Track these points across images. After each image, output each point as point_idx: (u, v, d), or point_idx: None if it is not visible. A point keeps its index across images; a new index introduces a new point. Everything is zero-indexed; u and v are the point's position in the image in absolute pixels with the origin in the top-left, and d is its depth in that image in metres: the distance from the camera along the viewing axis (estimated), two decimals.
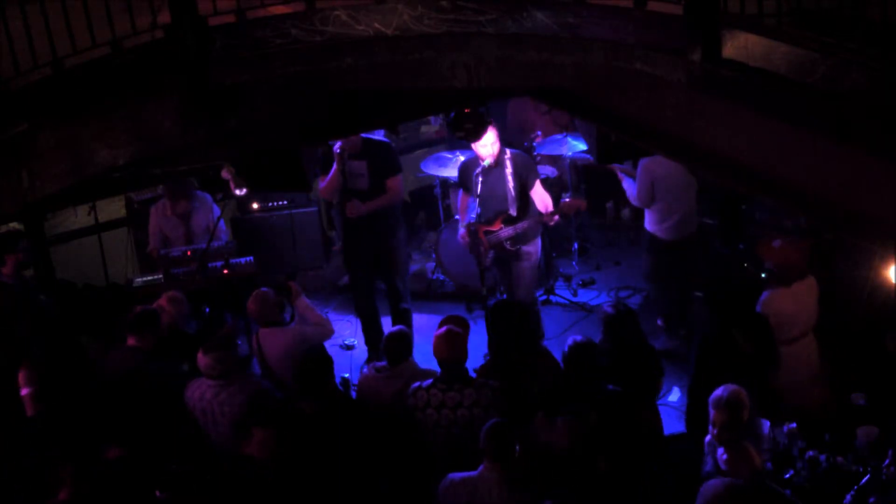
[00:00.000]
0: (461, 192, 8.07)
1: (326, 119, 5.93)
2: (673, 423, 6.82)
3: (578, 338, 5.79)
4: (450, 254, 9.02)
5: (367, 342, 8.38)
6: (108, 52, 4.92)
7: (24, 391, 5.88)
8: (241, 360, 6.21)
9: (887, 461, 5.28)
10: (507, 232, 7.65)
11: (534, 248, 7.82)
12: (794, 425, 5.62)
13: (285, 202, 9.22)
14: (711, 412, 5.19)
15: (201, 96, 5.01)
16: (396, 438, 5.82)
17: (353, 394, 7.37)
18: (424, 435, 5.71)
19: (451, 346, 5.77)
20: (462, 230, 7.88)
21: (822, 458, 5.42)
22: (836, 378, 6.41)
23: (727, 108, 4.70)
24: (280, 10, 5.25)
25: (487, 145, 7.52)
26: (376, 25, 5.12)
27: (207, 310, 7.70)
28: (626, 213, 10.11)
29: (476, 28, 5.08)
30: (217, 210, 8.25)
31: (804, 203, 4.84)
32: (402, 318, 8.12)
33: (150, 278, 7.85)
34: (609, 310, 6.22)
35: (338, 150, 7.65)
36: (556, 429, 5.29)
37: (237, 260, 7.91)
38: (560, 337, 8.29)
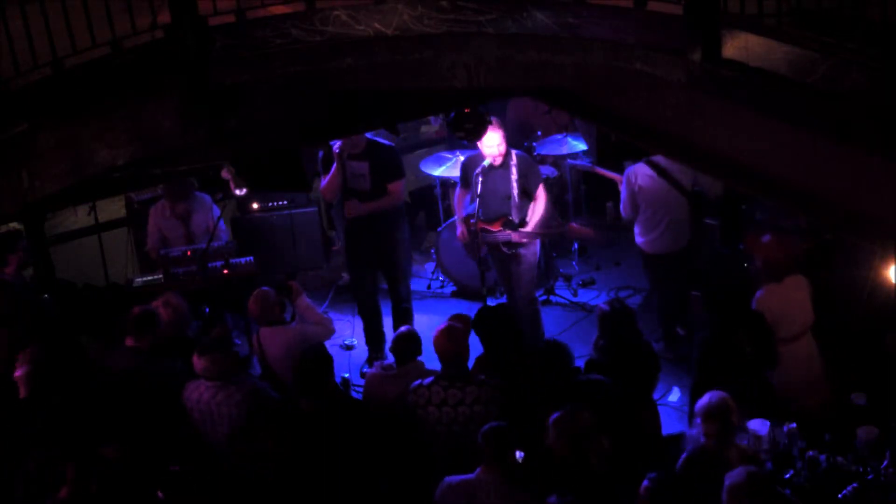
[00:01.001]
0: (458, 187, 8.06)
1: (326, 119, 5.93)
2: (673, 423, 6.83)
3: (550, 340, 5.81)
4: (450, 254, 9.02)
5: (367, 342, 8.38)
6: (108, 52, 4.93)
7: (18, 372, 5.86)
8: (238, 360, 6.20)
9: (886, 462, 5.28)
10: (504, 236, 7.65)
11: (531, 250, 7.82)
12: (794, 425, 5.61)
13: (285, 202, 9.21)
14: (700, 422, 5.18)
15: (201, 96, 5.01)
16: (399, 438, 5.82)
17: (353, 394, 7.38)
18: (425, 432, 5.71)
19: (451, 340, 5.78)
20: (460, 226, 7.89)
21: (822, 458, 5.42)
22: (836, 378, 6.41)
23: (727, 108, 4.70)
24: (280, 10, 5.25)
25: (493, 146, 7.51)
26: (376, 25, 5.12)
27: (207, 310, 7.69)
28: None
29: (476, 28, 5.09)
30: (217, 210, 8.25)
31: (804, 203, 4.84)
32: (402, 317, 8.12)
33: (150, 278, 7.84)
34: (605, 307, 6.24)
35: (337, 151, 7.65)
36: (547, 428, 5.28)
37: (237, 260, 7.90)
38: (560, 337, 8.29)
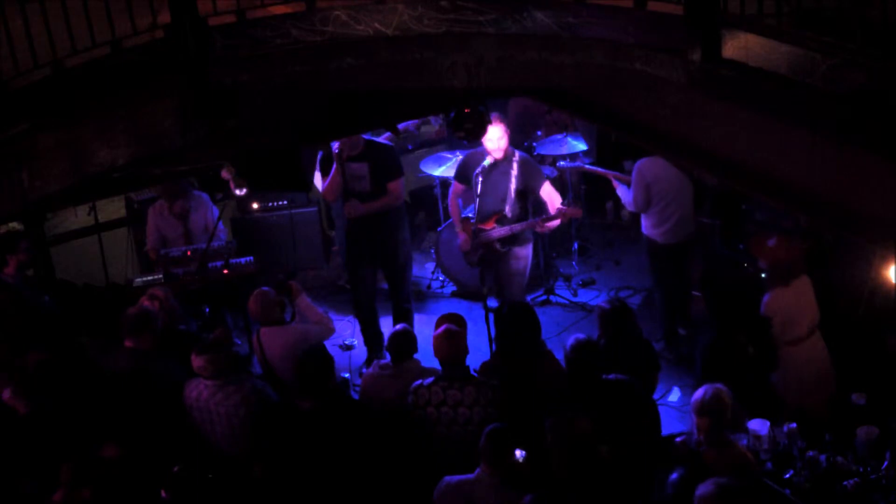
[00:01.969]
0: (454, 182, 8.04)
1: (326, 119, 5.93)
2: (673, 424, 6.82)
3: (581, 336, 5.77)
4: (450, 253, 9.02)
5: (366, 342, 8.39)
6: (108, 52, 4.92)
7: (6, 395, 5.76)
8: (237, 360, 6.20)
9: (886, 462, 5.28)
10: (498, 232, 7.65)
11: (524, 251, 7.81)
12: (794, 425, 5.62)
13: (285, 202, 9.21)
14: (694, 417, 5.17)
15: (201, 96, 5.01)
16: (398, 437, 5.82)
17: (353, 394, 7.38)
18: (424, 433, 5.71)
19: (451, 344, 5.77)
20: (462, 234, 7.86)
21: (822, 458, 5.41)
22: (836, 378, 6.41)
23: (727, 108, 4.70)
24: (280, 10, 5.25)
25: (494, 140, 7.51)
26: (376, 25, 5.12)
27: (207, 310, 7.70)
28: (625, 213, 10.11)
29: (476, 28, 5.08)
30: (216, 210, 8.25)
31: (804, 203, 4.84)
32: (403, 317, 8.13)
33: (150, 278, 7.84)
34: (606, 305, 6.24)
35: (336, 152, 7.65)
36: (544, 432, 5.28)
37: (237, 260, 7.91)
38: (560, 337, 8.29)
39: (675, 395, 7.49)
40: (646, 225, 7.92)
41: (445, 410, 5.64)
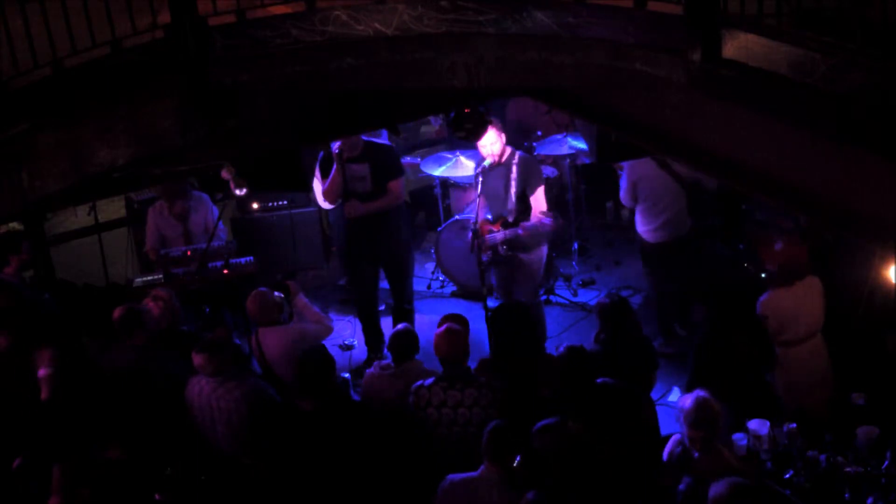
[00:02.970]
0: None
1: (326, 119, 5.94)
2: (673, 424, 6.81)
3: (572, 344, 5.78)
4: (450, 254, 9.02)
5: (366, 342, 8.39)
6: (108, 52, 4.92)
7: (42, 372, 5.91)
8: (238, 357, 6.21)
9: (887, 462, 5.28)
10: (500, 235, 7.64)
11: (534, 257, 7.80)
12: (794, 425, 5.62)
13: (285, 202, 9.22)
14: (684, 428, 5.16)
15: (201, 96, 5.01)
16: (399, 437, 5.82)
17: (353, 394, 7.38)
18: (425, 433, 5.71)
19: (451, 343, 5.78)
20: (469, 230, 7.88)
21: (822, 458, 5.42)
22: (836, 378, 6.41)
23: (727, 109, 4.70)
24: (280, 10, 5.24)
25: (487, 145, 7.52)
26: (376, 25, 5.12)
27: (207, 310, 7.69)
28: (625, 213, 10.12)
29: (476, 28, 5.08)
30: (216, 210, 8.25)
31: (804, 203, 4.84)
32: (404, 318, 8.12)
33: (150, 278, 7.85)
34: (605, 300, 6.25)
35: (336, 152, 7.65)
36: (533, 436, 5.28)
37: (237, 260, 7.91)
38: (560, 337, 8.30)
39: (675, 395, 7.48)
40: (637, 222, 8.02)
41: (446, 411, 5.64)
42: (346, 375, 7.98)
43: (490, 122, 7.26)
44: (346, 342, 8.64)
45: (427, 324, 7.95)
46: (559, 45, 4.96)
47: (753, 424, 5.60)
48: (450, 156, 9.53)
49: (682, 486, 4.94)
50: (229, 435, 5.80)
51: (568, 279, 9.24)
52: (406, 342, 6.11)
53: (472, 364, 6.00)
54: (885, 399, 5.84)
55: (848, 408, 5.88)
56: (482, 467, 5.07)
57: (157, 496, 5.04)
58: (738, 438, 5.61)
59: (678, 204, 7.76)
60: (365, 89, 5.34)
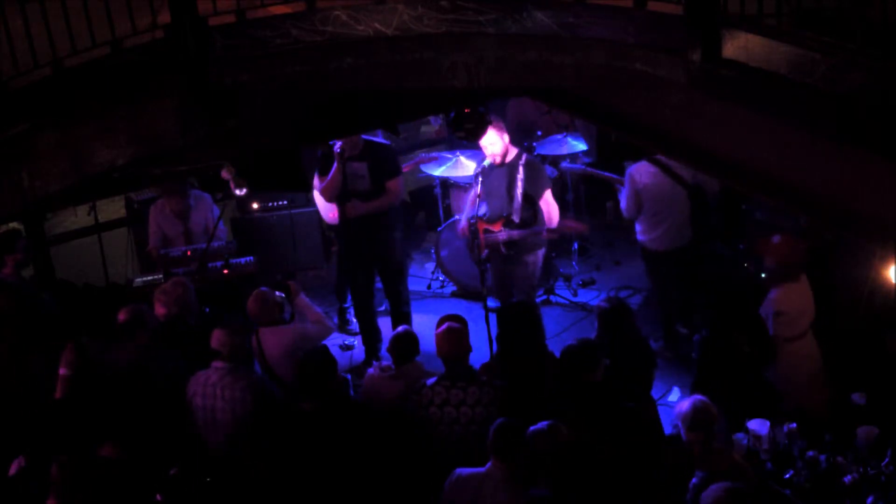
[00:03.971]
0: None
1: (326, 119, 5.94)
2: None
3: (574, 343, 5.78)
4: (450, 254, 9.02)
5: (364, 342, 8.39)
6: (108, 52, 4.92)
7: (63, 371, 5.98)
8: (250, 352, 6.21)
9: (886, 461, 5.28)
10: (503, 235, 7.64)
11: (533, 258, 7.80)
12: (794, 425, 5.62)
13: (285, 202, 9.21)
14: (683, 432, 5.17)
15: (201, 96, 5.01)
16: (399, 438, 5.82)
17: (353, 395, 7.37)
18: (427, 433, 5.71)
19: (452, 341, 5.78)
20: (463, 223, 7.88)
21: (822, 458, 5.42)
22: (836, 378, 6.41)
23: (727, 108, 4.70)
24: (280, 10, 5.25)
25: (487, 145, 7.52)
26: (376, 25, 5.12)
27: (207, 310, 7.69)
28: None
29: (476, 28, 5.08)
30: (217, 210, 8.25)
31: (804, 203, 4.84)
32: (402, 320, 8.12)
33: (150, 278, 7.84)
34: (604, 304, 6.26)
35: (338, 151, 7.65)
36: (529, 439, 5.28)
37: (237, 260, 7.91)
38: (560, 337, 8.29)
39: (675, 395, 7.48)
40: (638, 231, 7.93)
41: (448, 410, 5.64)
42: (347, 376, 7.99)
43: (491, 122, 7.26)
44: (346, 342, 8.63)
45: (427, 324, 7.95)
46: (559, 45, 4.96)
47: (753, 424, 5.60)
48: (450, 156, 9.53)
49: (694, 480, 4.94)
50: (231, 428, 5.76)
51: (568, 279, 9.24)
52: (406, 344, 6.11)
53: (472, 364, 5.99)
54: (885, 399, 5.84)
55: (848, 408, 5.88)
56: (489, 464, 5.08)
57: (158, 497, 5.02)
58: (738, 438, 5.61)
59: (681, 210, 7.70)
60: (365, 89, 5.34)
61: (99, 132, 4.87)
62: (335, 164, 7.69)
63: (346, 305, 8.85)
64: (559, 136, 9.46)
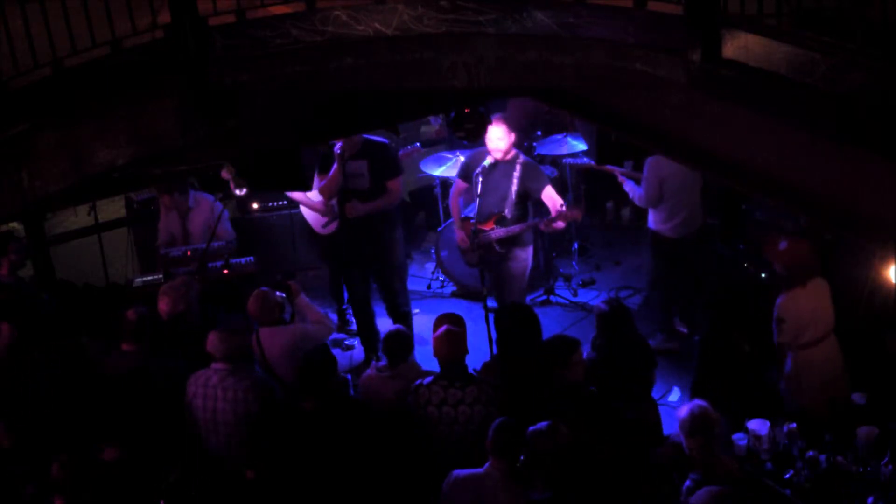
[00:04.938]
0: (456, 180, 8.02)
1: (326, 119, 5.93)
2: (673, 424, 6.81)
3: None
4: (450, 253, 9.01)
5: (362, 342, 8.39)
6: (108, 52, 4.92)
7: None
8: (250, 351, 6.20)
9: (886, 461, 5.29)
10: (497, 233, 7.64)
11: (524, 254, 7.79)
12: (794, 425, 5.62)
13: (285, 202, 9.21)
14: (683, 438, 5.16)
15: (201, 96, 5.01)
16: (399, 437, 5.82)
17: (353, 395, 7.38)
18: (425, 433, 5.71)
19: (451, 344, 5.78)
20: (459, 232, 7.86)
21: (822, 458, 5.42)
22: (848, 382, 6.38)
23: (727, 108, 4.71)
24: (280, 10, 5.25)
25: (495, 139, 7.50)
26: (376, 25, 5.12)
27: (207, 309, 7.69)
28: (625, 213, 10.12)
29: (476, 28, 5.08)
30: (219, 206, 8.24)
31: (804, 203, 4.84)
32: (401, 320, 8.12)
33: (150, 278, 7.84)
34: (603, 307, 6.26)
35: (338, 151, 7.65)
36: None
37: (237, 260, 7.91)
38: None
39: (675, 395, 7.49)
40: (654, 220, 7.90)
41: (447, 409, 5.64)
42: (348, 376, 7.99)
43: (491, 122, 7.26)
44: (347, 342, 8.63)
45: (427, 324, 7.95)
46: (559, 45, 4.96)
47: (753, 424, 5.60)
48: (450, 156, 9.53)
49: (688, 483, 4.94)
50: (232, 429, 5.75)
51: (568, 279, 9.24)
52: (398, 344, 6.11)
53: (472, 363, 5.99)
54: (885, 399, 5.84)
55: (848, 408, 5.87)
56: (487, 464, 5.08)
57: (161, 502, 5.03)
58: (738, 438, 5.62)
59: (697, 196, 7.76)
60: (365, 89, 5.34)
61: (99, 132, 4.87)
62: (335, 164, 7.69)
63: (345, 306, 8.85)
64: (559, 136, 9.46)
